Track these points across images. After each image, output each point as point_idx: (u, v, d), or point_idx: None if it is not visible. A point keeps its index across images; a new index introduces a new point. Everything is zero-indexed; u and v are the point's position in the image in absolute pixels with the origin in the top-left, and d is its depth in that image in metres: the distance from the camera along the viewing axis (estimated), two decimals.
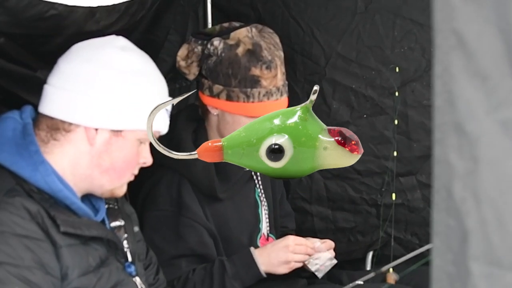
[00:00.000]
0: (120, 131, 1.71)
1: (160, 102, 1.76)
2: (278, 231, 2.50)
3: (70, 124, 1.68)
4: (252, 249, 2.23)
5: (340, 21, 2.63)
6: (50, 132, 1.69)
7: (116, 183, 1.76)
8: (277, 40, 2.27)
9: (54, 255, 1.59)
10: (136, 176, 2.13)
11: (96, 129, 1.69)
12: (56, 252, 1.60)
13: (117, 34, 2.17)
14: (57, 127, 1.69)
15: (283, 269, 2.21)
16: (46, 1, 1.73)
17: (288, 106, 2.73)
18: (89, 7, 1.87)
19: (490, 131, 0.71)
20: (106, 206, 1.86)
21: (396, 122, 2.56)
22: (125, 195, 2.02)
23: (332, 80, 2.66)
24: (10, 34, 1.81)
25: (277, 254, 2.19)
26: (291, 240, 2.21)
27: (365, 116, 2.65)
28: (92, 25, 1.94)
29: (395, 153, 2.53)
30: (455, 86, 0.73)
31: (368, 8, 2.59)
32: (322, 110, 2.70)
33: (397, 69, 2.55)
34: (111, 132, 1.70)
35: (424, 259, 1.86)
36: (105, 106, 1.68)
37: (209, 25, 2.77)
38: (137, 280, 1.82)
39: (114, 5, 1.98)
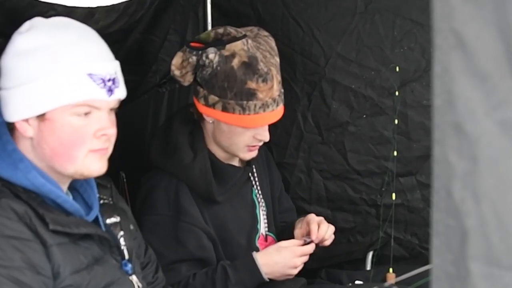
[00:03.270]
0: (43, 114, 1.63)
1: (78, 65, 1.61)
2: (278, 228, 2.50)
3: (9, 123, 1.68)
4: (254, 253, 2.23)
5: (340, 21, 2.62)
6: (12, 132, 1.69)
7: (71, 166, 1.67)
8: (273, 44, 2.24)
9: (44, 255, 1.58)
10: (134, 180, 2.11)
11: (27, 121, 1.64)
12: (46, 251, 1.59)
13: (116, 33, 2.17)
14: (9, 127, 1.69)
15: (285, 279, 2.24)
16: (45, 2, 1.74)
17: (287, 107, 2.73)
18: (88, 7, 1.87)
19: (489, 131, 0.71)
20: (101, 201, 1.85)
21: (396, 122, 2.56)
22: (124, 194, 2.00)
23: (332, 80, 2.66)
24: (10, 35, 1.80)
25: (283, 270, 2.20)
26: (298, 257, 2.20)
27: (365, 116, 2.65)
28: (91, 25, 1.93)
29: (395, 153, 2.53)
30: (455, 86, 0.73)
31: (368, 8, 2.58)
32: (322, 110, 2.70)
33: (397, 69, 2.55)
34: (37, 118, 1.63)
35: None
36: (16, 94, 1.63)
37: (209, 25, 2.77)
38: (134, 278, 1.81)
39: (113, 5, 1.98)
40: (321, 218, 2.31)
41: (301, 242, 2.24)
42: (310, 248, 2.22)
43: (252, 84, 2.10)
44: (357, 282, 2.44)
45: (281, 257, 2.20)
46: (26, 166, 1.62)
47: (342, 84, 2.65)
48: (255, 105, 2.12)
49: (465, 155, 0.72)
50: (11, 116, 1.64)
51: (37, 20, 1.66)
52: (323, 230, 2.25)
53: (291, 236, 2.34)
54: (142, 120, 2.71)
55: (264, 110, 2.14)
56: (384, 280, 2.43)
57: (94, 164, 1.69)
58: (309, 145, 2.74)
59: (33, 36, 1.63)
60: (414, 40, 2.55)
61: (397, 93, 2.56)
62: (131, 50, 2.49)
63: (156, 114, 2.74)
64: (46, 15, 1.74)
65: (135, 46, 2.51)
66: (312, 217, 2.30)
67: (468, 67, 0.72)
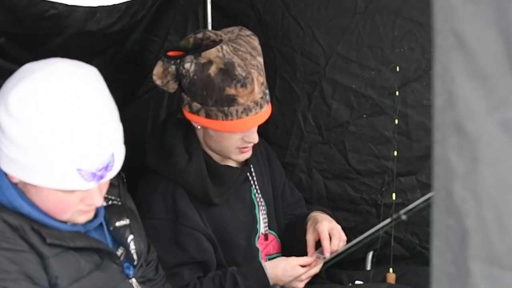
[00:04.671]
0: None
1: (67, 160, 1.51)
2: (282, 226, 2.50)
3: None
4: (262, 262, 2.25)
5: (340, 21, 2.62)
6: None
7: (58, 218, 1.65)
8: (255, 43, 2.21)
9: (41, 266, 1.57)
10: (132, 183, 2.10)
11: None
12: (43, 263, 1.58)
13: (117, 34, 2.17)
14: None
15: None
16: (46, 0, 1.73)
17: (287, 107, 2.73)
18: (90, 6, 1.87)
19: (490, 131, 0.71)
20: (110, 202, 1.83)
21: (396, 122, 2.55)
22: (128, 189, 1.99)
23: (332, 80, 2.66)
24: (10, 34, 1.80)
25: (288, 282, 2.22)
26: (300, 282, 2.22)
27: (365, 116, 2.65)
28: (93, 25, 1.94)
29: (395, 153, 2.53)
30: (455, 86, 0.73)
31: (368, 8, 2.58)
32: (322, 110, 2.70)
33: (397, 69, 2.54)
34: None
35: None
36: (6, 152, 1.55)
37: (209, 25, 2.77)
38: (133, 281, 1.80)
39: (114, 5, 1.98)
40: (332, 225, 2.29)
41: (312, 260, 2.25)
42: (316, 269, 2.23)
43: (231, 90, 2.09)
44: (357, 282, 2.44)
45: (284, 276, 2.22)
46: (12, 194, 1.60)
47: (342, 84, 2.65)
48: (236, 110, 2.11)
49: (465, 155, 0.72)
50: None
51: (36, 85, 1.53)
52: (335, 245, 2.24)
53: (302, 234, 2.34)
54: (142, 120, 2.71)
55: (247, 114, 2.13)
56: (384, 280, 2.43)
57: (80, 218, 1.69)
58: (310, 145, 2.74)
59: (26, 109, 1.51)
60: (414, 40, 2.55)
61: (397, 93, 2.55)
62: (132, 50, 2.50)
63: (156, 114, 2.74)
64: (47, 14, 1.74)
65: (136, 46, 2.51)
66: (323, 228, 2.26)
67: (469, 67, 0.72)
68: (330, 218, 2.35)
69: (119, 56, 2.41)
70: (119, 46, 2.39)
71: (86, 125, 1.54)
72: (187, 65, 2.10)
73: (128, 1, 2.04)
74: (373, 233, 1.70)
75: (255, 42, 2.22)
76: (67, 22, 1.83)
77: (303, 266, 2.25)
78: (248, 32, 2.23)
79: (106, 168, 1.59)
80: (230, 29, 2.23)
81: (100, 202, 1.66)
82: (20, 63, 1.67)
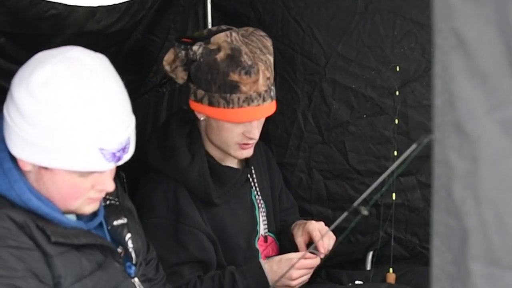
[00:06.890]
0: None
1: (91, 140, 1.54)
2: (278, 228, 2.50)
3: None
4: (262, 261, 2.24)
5: (340, 21, 2.62)
6: None
7: (64, 208, 1.67)
8: (268, 44, 2.22)
9: (45, 264, 1.58)
10: (132, 183, 2.10)
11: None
12: (48, 261, 1.58)
13: (117, 34, 2.17)
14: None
15: None
16: (46, 1, 1.73)
17: (287, 107, 2.73)
18: (90, 6, 1.87)
19: (490, 131, 0.71)
20: (108, 202, 1.84)
21: (396, 122, 2.55)
22: (125, 189, 1.99)
23: (332, 80, 2.66)
24: (10, 34, 1.81)
25: (281, 280, 2.19)
26: (295, 269, 2.18)
27: (365, 116, 2.65)
28: (93, 25, 1.94)
29: (395, 153, 2.53)
30: (455, 86, 0.73)
31: (368, 8, 2.58)
32: (322, 110, 2.70)
33: (397, 69, 2.55)
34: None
35: None
36: (23, 137, 1.56)
37: (209, 25, 2.77)
38: (136, 281, 1.80)
39: (114, 5, 1.98)
40: (321, 226, 2.28)
41: (309, 254, 2.24)
42: (312, 262, 2.21)
43: (234, 76, 2.10)
44: (357, 282, 2.44)
45: (279, 268, 2.20)
46: (21, 187, 1.61)
47: (342, 84, 2.65)
48: (238, 98, 2.11)
49: (465, 155, 0.72)
50: (12, 148, 1.60)
51: (59, 67, 1.56)
52: (326, 244, 2.22)
53: (288, 240, 2.34)
54: (142, 120, 2.71)
55: (248, 104, 2.12)
56: (384, 280, 2.43)
57: (88, 207, 1.71)
58: (310, 145, 2.74)
59: (50, 90, 1.53)
60: (414, 40, 2.55)
61: (397, 93, 2.56)
62: (132, 50, 2.50)
63: (156, 114, 2.74)
64: (47, 14, 1.74)
65: (136, 46, 2.51)
66: (313, 227, 2.26)
67: (468, 67, 0.72)
68: (316, 221, 2.34)
69: (119, 56, 2.41)
70: (119, 46, 2.39)
71: (109, 105, 1.58)
72: (195, 48, 2.12)
73: (128, 1, 2.04)
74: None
75: (268, 42, 2.23)
76: (67, 22, 1.83)
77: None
78: (263, 33, 2.25)
79: (124, 149, 1.63)
80: (245, 28, 2.26)
81: (112, 186, 1.68)
82: (20, 63, 1.67)
